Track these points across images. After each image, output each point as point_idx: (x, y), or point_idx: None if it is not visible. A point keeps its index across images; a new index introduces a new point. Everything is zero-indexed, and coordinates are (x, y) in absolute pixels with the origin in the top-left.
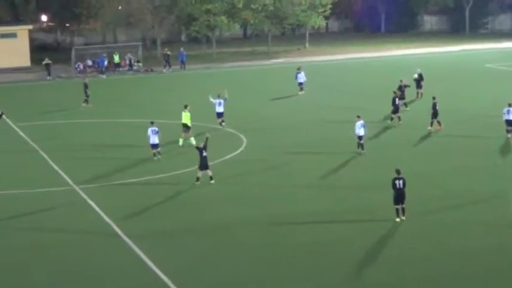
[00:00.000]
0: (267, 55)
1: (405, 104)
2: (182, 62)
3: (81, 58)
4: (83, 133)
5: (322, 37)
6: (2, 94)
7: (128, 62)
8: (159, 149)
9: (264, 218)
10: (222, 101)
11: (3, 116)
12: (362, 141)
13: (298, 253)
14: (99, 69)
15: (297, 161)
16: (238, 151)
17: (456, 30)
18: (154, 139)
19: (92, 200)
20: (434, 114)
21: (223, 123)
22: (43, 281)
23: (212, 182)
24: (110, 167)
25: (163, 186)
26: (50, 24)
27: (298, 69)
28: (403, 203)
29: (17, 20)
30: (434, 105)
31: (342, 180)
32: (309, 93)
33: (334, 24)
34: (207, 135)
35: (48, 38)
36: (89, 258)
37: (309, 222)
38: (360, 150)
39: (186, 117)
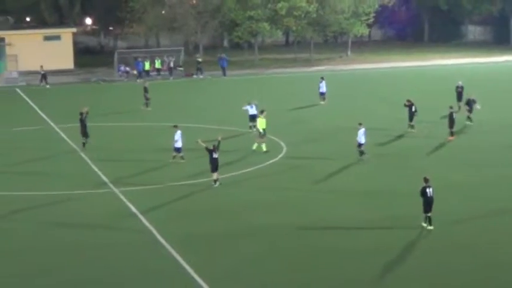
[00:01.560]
0: (309, 62)
1: (469, 118)
2: (222, 68)
3: (123, 62)
4: (124, 136)
5: (364, 45)
6: (45, 96)
7: (168, 66)
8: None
9: (300, 224)
10: (253, 104)
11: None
12: (362, 148)
13: (333, 259)
14: (136, 73)
15: (332, 166)
16: (278, 158)
17: (500, 40)
18: (179, 143)
19: (131, 203)
20: (451, 124)
21: (255, 128)
22: (80, 282)
23: (216, 185)
24: (150, 170)
25: (201, 190)
26: (93, 27)
27: (321, 78)
28: (431, 211)
29: (61, 23)
30: (450, 115)
31: (375, 187)
32: (347, 100)
33: (377, 33)
34: (219, 137)
35: (92, 41)
36: (127, 261)
37: (343, 228)
38: (363, 156)
39: (261, 123)
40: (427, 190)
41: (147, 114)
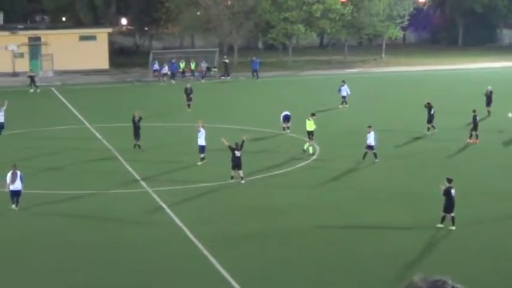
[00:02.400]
0: (343, 64)
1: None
2: (254, 71)
3: (159, 62)
4: (158, 135)
5: (399, 48)
6: (80, 95)
7: (204, 68)
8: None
9: (334, 226)
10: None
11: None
12: (374, 151)
13: (368, 262)
14: (170, 74)
15: (366, 168)
16: (312, 158)
17: None
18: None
19: (164, 202)
20: (474, 127)
21: (288, 130)
22: (113, 280)
23: (242, 182)
24: (183, 171)
25: (235, 191)
26: (129, 27)
27: (343, 82)
28: (453, 211)
29: (97, 23)
30: (474, 118)
31: (412, 190)
32: (380, 102)
33: (411, 36)
34: (244, 137)
35: (127, 41)
36: (157, 259)
37: (379, 230)
38: (375, 160)
39: (310, 125)
40: (451, 191)
41: (186, 114)
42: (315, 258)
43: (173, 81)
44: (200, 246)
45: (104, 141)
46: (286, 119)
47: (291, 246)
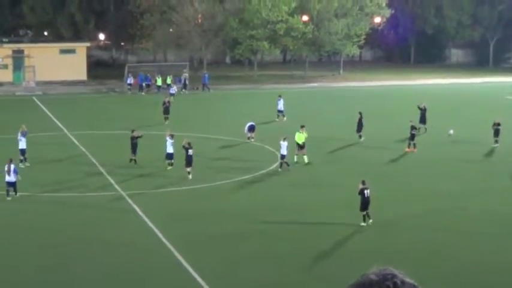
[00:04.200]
0: (304, 79)
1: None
2: (204, 84)
3: (134, 75)
4: (124, 141)
5: (356, 64)
6: (59, 104)
7: (182, 81)
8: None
9: (297, 225)
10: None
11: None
12: (285, 160)
13: (326, 259)
14: (140, 86)
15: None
16: (275, 165)
17: (481, 63)
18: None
19: (136, 204)
20: (411, 137)
21: (253, 139)
22: (85, 279)
23: (190, 177)
24: (154, 176)
25: (202, 195)
26: (106, 42)
27: (279, 96)
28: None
29: (76, 38)
30: (411, 128)
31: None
32: (337, 114)
33: (367, 53)
34: (187, 140)
35: (105, 55)
36: (130, 259)
37: (336, 229)
38: (283, 167)
39: (299, 137)
40: (365, 191)
41: (156, 123)
42: (277, 256)
43: (143, 93)
44: (169, 245)
45: (81, 147)
46: (251, 129)
47: (254, 244)
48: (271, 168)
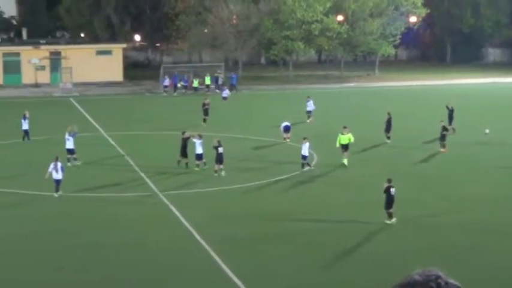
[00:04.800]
0: (339, 79)
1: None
2: (233, 85)
3: (169, 75)
4: (167, 144)
5: (391, 64)
6: (96, 105)
7: (219, 82)
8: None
9: (333, 226)
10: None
11: None
12: (306, 161)
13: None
14: (181, 87)
15: (364, 176)
16: (307, 167)
17: None
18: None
19: (173, 205)
20: (442, 137)
21: (288, 140)
22: (120, 280)
23: (223, 174)
24: (190, 176)
25: (238, 196)
26: (142, 43)
27: (308, 97)
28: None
29: (112, 39)
30: (442, 129)
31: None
32: (371, 114)
33: (403, 53)
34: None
35: (140, 56)
36: (167, 260)
37: (372, 229)
38: (306, 168)
39: (342, 139)
40: (391, 189)
41: (191, 124)
42: (316, 256)
43: (175, 94)
44: (205, 245)
45: (118, 148)
46: (287, 129)
47: (292, 244)
48: (305, 169)
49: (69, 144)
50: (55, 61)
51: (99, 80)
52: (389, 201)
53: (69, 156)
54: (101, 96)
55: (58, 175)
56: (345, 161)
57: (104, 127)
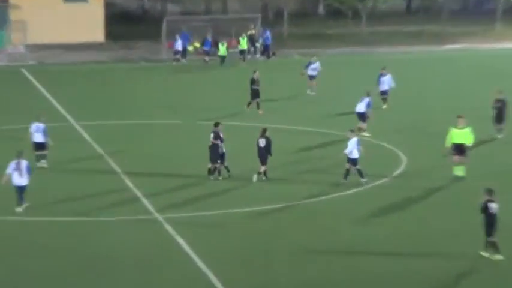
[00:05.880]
0: (440, 38)
1: None
2: (266, 48)
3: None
4: (157, 137)
5: None
6: (62, 80)
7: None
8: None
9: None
10: (367, 99)
11: None
12: (358, 167)
13: None
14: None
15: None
16: (395, 173)
17: None
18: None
19: (178, 234)
20: None
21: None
22: None
23: (264, 178)
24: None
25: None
26: None
27: (383, 70)
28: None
29: None
30: None
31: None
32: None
33: None
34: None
35: (132, 3)
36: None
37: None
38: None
39: (458, 135)
40: (491, 205)
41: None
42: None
43: (184, 61)
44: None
45: (95, 145)
46: (361, 116)
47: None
48: (363, 180)
49: (38, 136)
50: None
51: (68, 41)
52: (490, 222)
53: (38, 153)
54: (70, 66)
55: (22, 179)
56: (460, 171)
57: (74, 114)
